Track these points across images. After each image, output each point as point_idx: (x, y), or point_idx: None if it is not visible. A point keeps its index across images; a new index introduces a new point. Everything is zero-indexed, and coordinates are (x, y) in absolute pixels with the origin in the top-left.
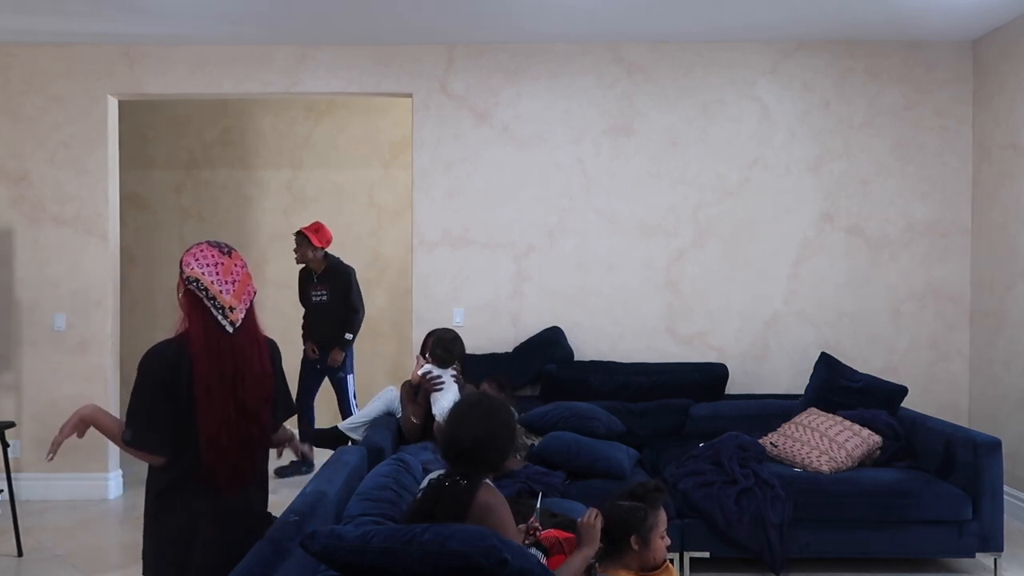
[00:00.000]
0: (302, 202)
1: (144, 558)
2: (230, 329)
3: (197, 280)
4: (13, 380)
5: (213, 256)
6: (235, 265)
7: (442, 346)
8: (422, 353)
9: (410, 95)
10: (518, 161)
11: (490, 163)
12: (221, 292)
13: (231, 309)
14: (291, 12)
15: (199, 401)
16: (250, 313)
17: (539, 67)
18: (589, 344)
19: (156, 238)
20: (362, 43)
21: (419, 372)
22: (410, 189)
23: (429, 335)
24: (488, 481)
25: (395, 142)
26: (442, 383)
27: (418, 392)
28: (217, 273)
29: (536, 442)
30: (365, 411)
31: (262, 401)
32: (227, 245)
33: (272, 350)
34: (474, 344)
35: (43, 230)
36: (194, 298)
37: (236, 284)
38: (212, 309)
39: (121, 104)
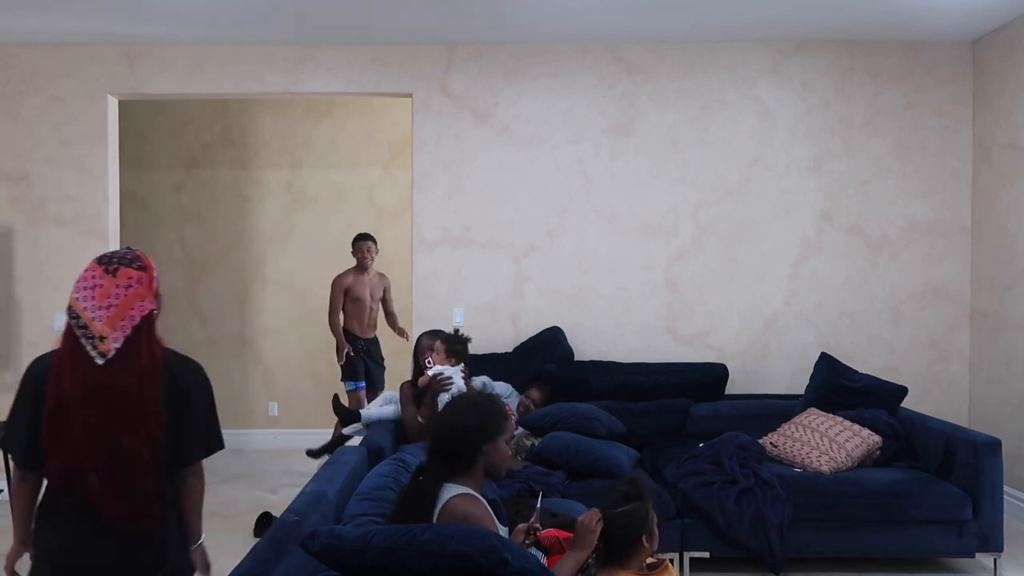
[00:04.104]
0: (302, 202)
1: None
2: (100, 361)
3: (70, 307)
4: (13, 380)
5: (93, 278)
6: (117, 286)
7: (459, 342)
8: (416, 356)
9: (410, 95)
10: (518, 161)
11: (490, 163)
12: (93, 319)
13: (101, 339)
14: (291, 12)
15: (45, 428)
16: (139, 339)
17: (539, 67)
18: (589, 344)
19: (156, 238)
20: (362, 43)
21: (429, 373)
22: (410, 189)
23: (422, 338)
24: (471, 491)
25: (395, 142)
26: (451, 383)
27: (425, 393)
28: (93, 298)
29: (536, 442)
30: (381, 411)
31: (142, 440)
32: (118, 260)
33: (180, 375)
34: (474, 344)
35: (43, 230)
36: (67, 325)
37: (112, 309)
38: (82, 338)
39: (121, 104)
